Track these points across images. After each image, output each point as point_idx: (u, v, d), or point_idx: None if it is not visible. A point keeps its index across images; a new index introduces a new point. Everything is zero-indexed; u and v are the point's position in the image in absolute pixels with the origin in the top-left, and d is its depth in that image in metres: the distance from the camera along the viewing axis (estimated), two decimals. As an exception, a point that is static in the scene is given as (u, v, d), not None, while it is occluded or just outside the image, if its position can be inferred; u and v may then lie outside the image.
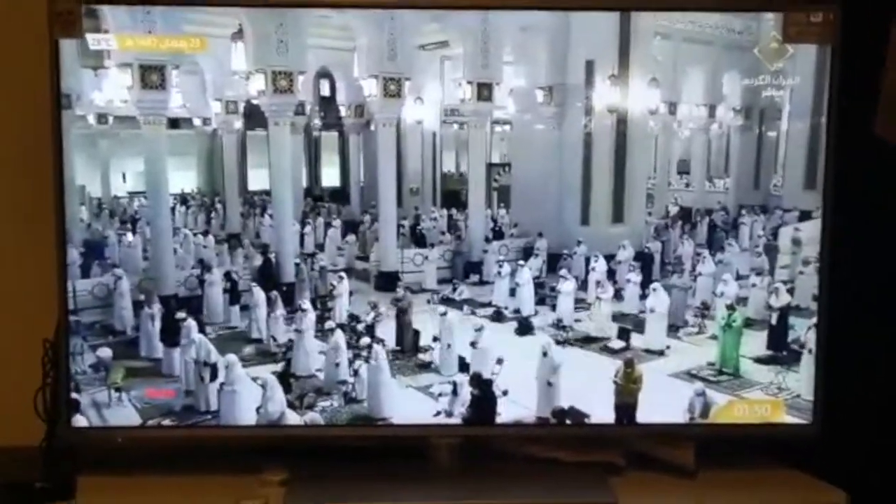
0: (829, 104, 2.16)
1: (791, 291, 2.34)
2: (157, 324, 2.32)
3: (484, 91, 2.48)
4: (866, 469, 2.27)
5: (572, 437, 2.32)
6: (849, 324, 2.24)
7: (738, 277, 2.41)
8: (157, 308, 2.32)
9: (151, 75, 2.23)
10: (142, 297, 2.31)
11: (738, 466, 2.27)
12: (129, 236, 2.40)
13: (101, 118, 2.31)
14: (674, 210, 2.61)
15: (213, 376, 2.27)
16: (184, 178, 2.53)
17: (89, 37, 2.12)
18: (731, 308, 2.35)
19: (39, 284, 2.19)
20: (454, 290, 2.44)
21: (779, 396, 2.29)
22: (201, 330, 2.30)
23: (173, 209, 2.43)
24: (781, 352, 2.33)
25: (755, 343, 2.36)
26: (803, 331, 2.28)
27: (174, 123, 2.42)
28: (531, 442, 2.33)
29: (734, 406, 2.27)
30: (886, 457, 2.36)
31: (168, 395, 2.27)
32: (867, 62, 2.19)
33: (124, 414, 2.25)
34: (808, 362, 2.26)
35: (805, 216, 2.39)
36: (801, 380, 2.27)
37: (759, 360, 2.35)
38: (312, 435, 2.29)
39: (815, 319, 2.25)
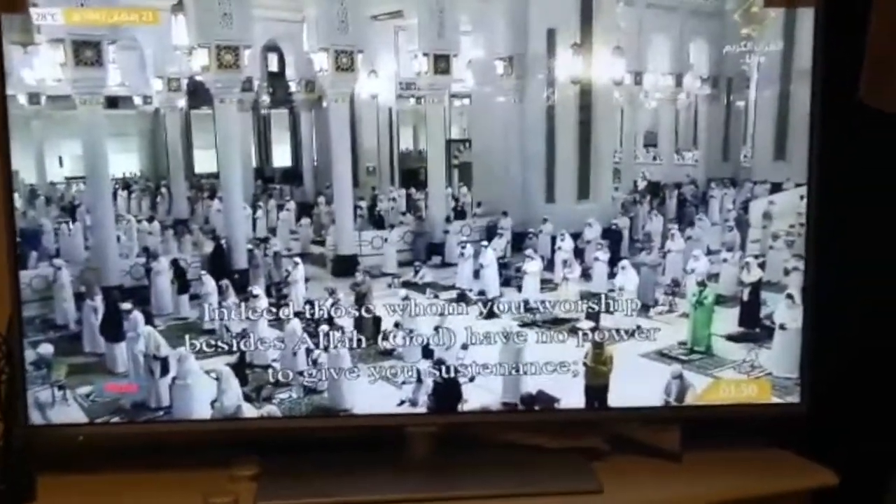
0: (814, 69, 2.15)
1: (762, 266, 2.33)
2: (100, 317, 2.25)
3: (441, 63, 2.44)
4: (854, 447, 2.29)
5: (557, 422, 2.32)
6: (832, 301, 2.25)
7: (709, 253, 2.40)
8: (99, 300, 2.24)
9: (86, 51, 2.15)
10: (83, 288, 2.23)
11: (724, 448, 2.28)
12: (69, 224, 2.30)
13: (33, 98, 2.22)
14: (642, 185, 2.59)
15: (165, 371, 2.21)
16: (125, 161, 2.46)
17: (34, 11, 2.05)
18: (702, 285, 2.35)
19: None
20: (416, 273, 2.39)
21: (751, 374, 2.29)
22: (149, 322, 2.23)
23: (115, 194, 2.36)
24: (754, 328, 2.34)
25: (727, 320, 2.36)
26: (775, 306, 2.28)
27: (113, 103, 2.34)
28: (510, 428, 2.32)
29: (720, 387, 2.28)
30: (873, 435, 2.38)
31: (129, 389, 2.22)
32: (847, 27, 2.17)
33: (69, 413, 2.19)
34: (780, 339, 2.27)
35: (776, 188, 2.39)
36: (774, 357, 2.29)
37: (731, 338, 2.35)
38: (287, 427, 2.27)
39: (786, 293, 2.26)
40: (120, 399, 2.21)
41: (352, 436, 2.30)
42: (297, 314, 2.24)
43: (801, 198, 2.24)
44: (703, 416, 2.28)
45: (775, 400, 2.26)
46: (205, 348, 2.22)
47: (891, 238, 2.39)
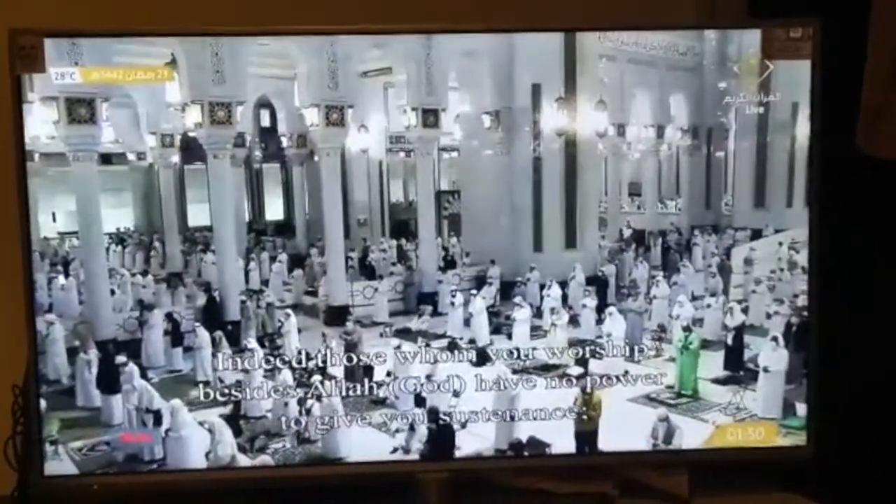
0: (812, 119, 2.25)
1: (745, 311, 2.44)
2: (94, 370, 2.30)
3: (429, 117, 2.55)
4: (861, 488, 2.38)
5: (564, 466, 2.38)
6: (838, 340, 2.33)
7: (694, 298, 2.49)
8: (93, 354, 2.30)
9: (79, 109, 2.23)
10: (76, 342, 2.29)
11: (732, 492, 2.37)
12: (62, 279, 2.36)
13: (27, 155, 2.26)
14: (627, 233, 2.70)
15: (157, 423, 2.27)
16: (119, 216, 2.54)
17: (52, 70, 2.13)
18: (687, 330, 2.44)
19: (4, 329, 2.22)
20: (419, 317, 2.46)
21: (737, 416, 2.37)
22: (143, 375, 2.29)
23: (108, 249, 2.42)
24: (738, 371, 2.43)
25: (712, 364, 2.46)
26: (759, 349, 2.38)
27: (106, 159, 2.41)
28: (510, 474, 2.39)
29: (727, 430, 2.36)
30: (879, 475, 2.46)
31: (144, 439, 2.27)
32: (842, 77, 2.27)
33: (61, 468, 2.23)
34: (764, 381, 2.36)
35: (756, 235, 2.49)
36: (759, 399, 2.37)
37: (717, 381, 2.45)
38: (281, 475, 2.30)
39: (771, 336, 2.35)
40: (113, 452, 2.26)
41: (350, 484, 2.35)
42: (287, 363, 2.30)
43: (780, 244, 2.37)
44: (709, 459, 2.36)
45: (780, 442, 2.34)
46: (199, 399, 2.27)
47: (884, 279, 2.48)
